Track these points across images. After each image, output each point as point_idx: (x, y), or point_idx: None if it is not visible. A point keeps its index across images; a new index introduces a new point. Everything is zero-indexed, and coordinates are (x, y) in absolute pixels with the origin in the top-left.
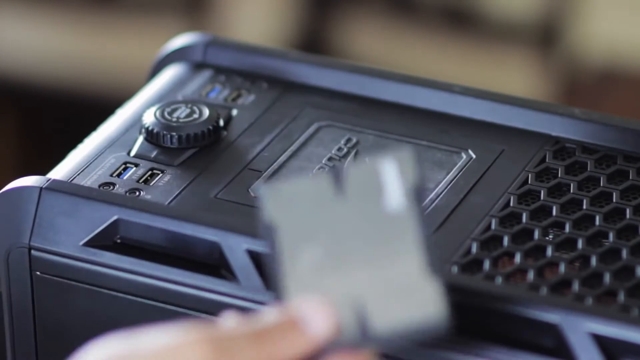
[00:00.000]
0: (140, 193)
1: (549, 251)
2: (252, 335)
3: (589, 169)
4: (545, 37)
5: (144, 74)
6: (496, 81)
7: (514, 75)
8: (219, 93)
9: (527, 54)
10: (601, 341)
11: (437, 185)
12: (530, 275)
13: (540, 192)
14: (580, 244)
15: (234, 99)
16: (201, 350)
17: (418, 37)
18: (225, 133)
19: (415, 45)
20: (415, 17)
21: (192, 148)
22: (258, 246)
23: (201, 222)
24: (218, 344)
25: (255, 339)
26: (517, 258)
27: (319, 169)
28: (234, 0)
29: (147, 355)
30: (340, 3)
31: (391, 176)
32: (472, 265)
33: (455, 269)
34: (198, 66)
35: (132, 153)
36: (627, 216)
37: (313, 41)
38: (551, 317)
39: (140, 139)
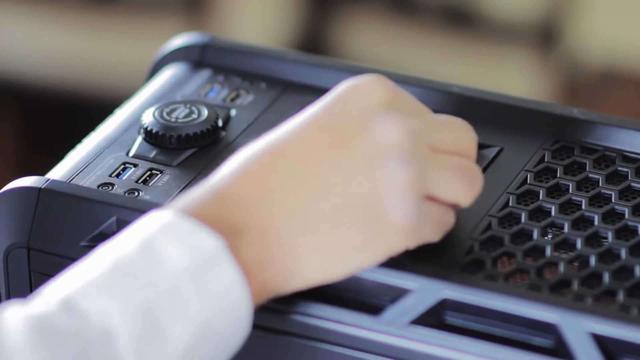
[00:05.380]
0: (139, 193)
1: (548, 251)
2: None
3: (587, 169)
4: (545, 37)
5: (144, 74)
6: (496, 81)
7: (514, 75)
8: (218, 93)
9: (527, 54)
10: (600, 341)
11: None
12: (530, 275)
13: (539, 192)
14: (579, 244)
15: (232, 99)
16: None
17: (418, 37)
18: (224, 133)
19: (415, 45)
20: (415, 17)
21: (191, 148)
22: None
23: None
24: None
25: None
26: (517, 258)
27: None
28: (234, 0)
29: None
30: (340, 3)
31: None
32: (472, 265)
33: (456, 268)
34: (197, 66)
35: (131, 153)
36: (626, 216)
37: (313, 41)
38: (551, 316)
39: (139, 139)
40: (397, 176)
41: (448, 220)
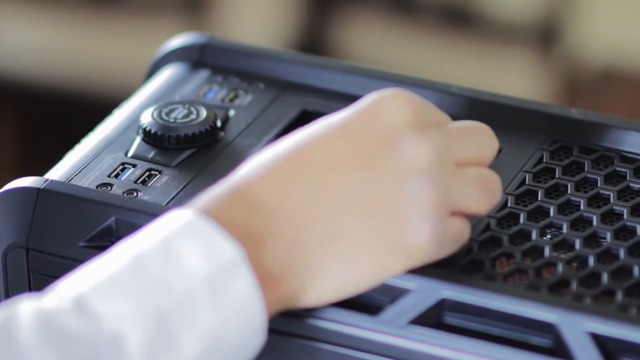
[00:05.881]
0: (137, 194)
1: (547, 251)
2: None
3: (586, 169)
4: (545, 37)
5: (144, 74)
6: (496, 81)
7: (514, 75)
8: (216, 93)
9: (527, 54)
10: (599, 340)
11: None
12: (529, 275)
13: (537, 193)
14: (577, 244)
15: (231, 100)
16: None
17: (418, 37)
18: (222, 134)
19: (415, 45)
20: (415, 17)
21: (190, 149)
22: None
23: None
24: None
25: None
26: (516, 258)
27: None
28: (234, 0)
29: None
30: (340, 3)
31: None
32: (471, 266)
33: (455, 269)
34: (195, 66)
35: (130, 154)
36: (625, 216)
37: (313, 41)
38: (549, 316)
39: (138, 139)
40: (422, 197)
41: (465, 233)
